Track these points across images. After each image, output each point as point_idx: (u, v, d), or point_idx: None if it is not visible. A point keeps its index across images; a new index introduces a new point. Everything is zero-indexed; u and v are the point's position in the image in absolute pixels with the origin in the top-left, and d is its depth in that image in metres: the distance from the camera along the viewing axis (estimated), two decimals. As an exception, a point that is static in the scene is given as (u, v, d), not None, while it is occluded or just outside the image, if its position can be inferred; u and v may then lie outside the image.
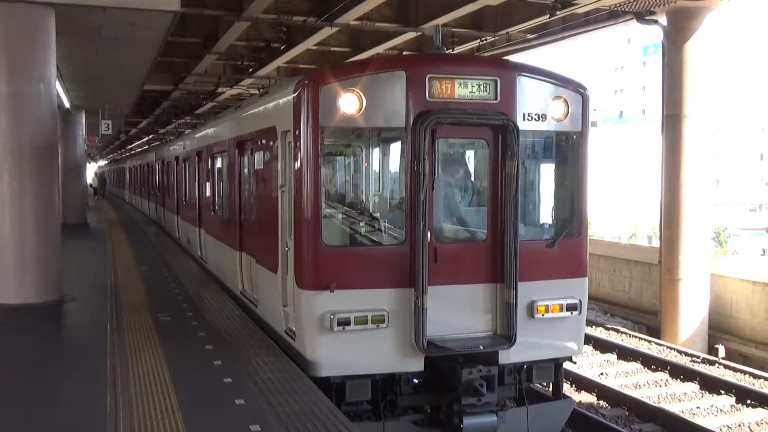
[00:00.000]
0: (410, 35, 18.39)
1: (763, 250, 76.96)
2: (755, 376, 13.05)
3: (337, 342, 7.12)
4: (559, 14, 15.55)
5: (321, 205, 7.29)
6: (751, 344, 16.18)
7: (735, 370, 13.53)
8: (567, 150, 8.22)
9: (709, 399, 11.89)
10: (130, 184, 41.15)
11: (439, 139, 7.45)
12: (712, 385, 12.36)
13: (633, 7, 16.29)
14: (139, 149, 48.52)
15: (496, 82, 7.54)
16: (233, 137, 11.12)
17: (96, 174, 69.38)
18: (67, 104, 22.11)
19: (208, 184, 14.10)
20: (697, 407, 11.46)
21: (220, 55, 21.02)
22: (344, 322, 7.03)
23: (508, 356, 7.53)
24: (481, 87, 7.49)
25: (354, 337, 7.13)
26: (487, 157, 7.71)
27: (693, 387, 12.50)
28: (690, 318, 16.79)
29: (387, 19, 17.45)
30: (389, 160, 8.43)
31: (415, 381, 7.58)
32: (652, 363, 13.82)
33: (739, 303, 16.71)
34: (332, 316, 7.01)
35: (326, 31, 17.61)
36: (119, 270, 13.82)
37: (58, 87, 14.07)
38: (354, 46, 21.10)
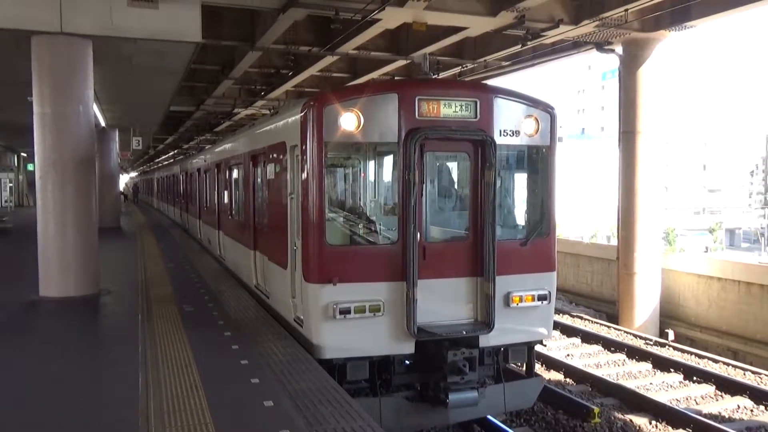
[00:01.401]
0: (401, 62, 18.46)
1: (706, 248, 77.28)
2: (700, 357, 13.11)
3: (339, 328, 7.10)
4: (530, 44, 15.65)
5: (325, 209, 7.26)
6: (696, 329, 16.29)
7: (683, 351, 13.58)
8: (537, 162, 8.19)
9: (661, 376, 11.91)
10: (158, 192, 41.01)
11: (426, 152, 7.45)
12: (663, 365, 12.40)
13: (593, 39, 16.40)
14: (166, 162, 48.39)
15: (476, 102, 7.54)
16: (248, 151, 11.08)
17: (127, 184, 69.22)
18: (102, 123, 22.08)
19: (226, 192, 14.02)
20: (650, 383, 11.48)
21: (236, 80, 21.06)
22: (345, 311, 7.03)
23: (488, 340, 7.52)
24: (463, 107, 7.49)
25: (354, 324, 7.11)
26: (469, 168, 7.72)
27: (647, 366, 12.53)
28: (644, 307, 16.89)
29: (381, 49, 17.51)
30: (383, 171, 8.40)
31: (407, 362, 7.56)
32: (611, 345, 13.85)
33: (685, 293, 16.82)
34: (335, 306, 7.01)
35: (328, 59, 17.67)
36: (148, 267, 13.77)
37: (95, 108, 14.04)
38: (352, 72, 21.16)
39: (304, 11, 12.59)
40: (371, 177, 8.54)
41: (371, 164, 8.60)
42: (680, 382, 11.62)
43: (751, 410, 10.26)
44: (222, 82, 21.10)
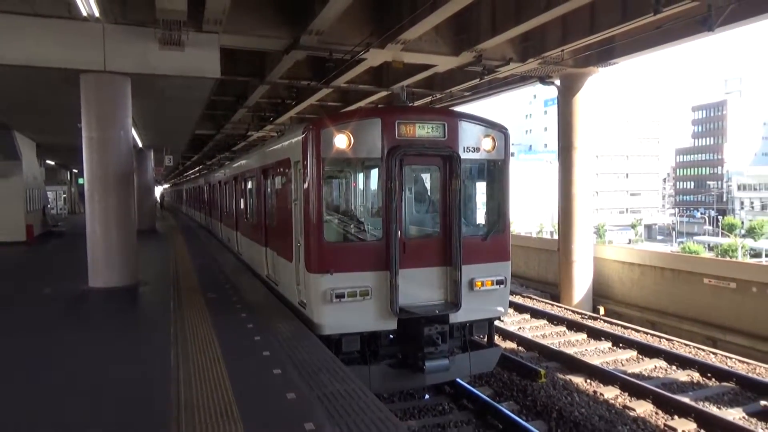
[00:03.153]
0: (383, 93, 18.45)
1: (629, 240, 78.15)
2: (625, 327, 13.24)
3: (335, 310, 7.06)
4: (486, 78, 15.71)
5: (323, 213, 7.21)
6: (621, 305, 16.45)
7: (611, 323, 13.71)
8: (494, 172, 8.15)
9: (594, 344, 12.01)
10: (186, 200, 40.61)
11: (405, 166, 7.45)
12: (595, 335, 12.50)
13: (537, 73, 16.52)
14: (192, 176, 47.93)
15: (444, 125, 7.52)
16: (259, 166, 10.98)
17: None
18: (140, 144, 21.84)
19: (242, 200, 13.87)
20: (586, 350, 11.57)
21: (249, 109, 20.92)
22: (340, 296, 7.01)
23: (456, 317, 7.53)
24: (434, 129, 7.48)
25: (347, 306, 7.07)
26: (439, 177, 7.72)
27: (582, 336, 12.64)
28: (580, 288, 17.02)
29: (366, 82, 17.49)
30: (370, 181, 8.38)
31: (391, 336, 7.53)
32: (554, 320, 13.95)
33: (613, 277, 16.98)
34: (332, 292, 7.00)
35: (324, 91, 17.61)
36: (179, 262, 13.66)
37: (134, 132, 13.89)
38: (344, 101, 21.12)
39: (304, 53, 12.55)
40: (360, 186, 8.50)
41: (360, 176, 8.55)
42: (609, 348, 11.72)
43: (666, 369, 10.39)
44: (238, 110, 20.95)
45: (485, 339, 8.42)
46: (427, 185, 8.44)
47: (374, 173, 7.89)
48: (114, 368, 5.77)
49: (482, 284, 7.69)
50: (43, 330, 7.27)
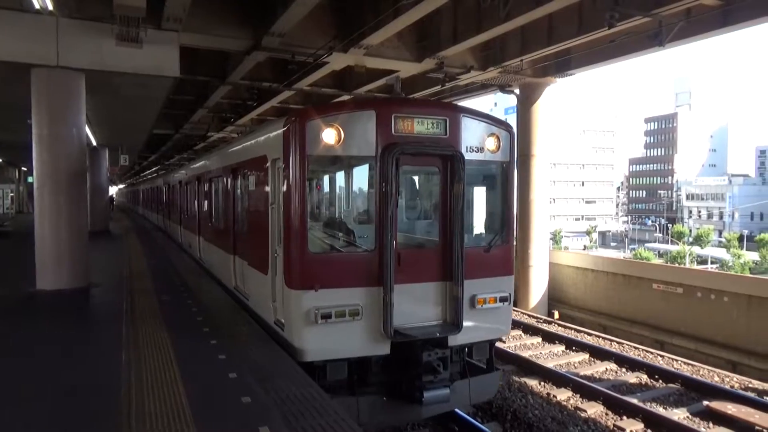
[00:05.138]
0: (346, 97, 18.43)
1: (584, 246, 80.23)
2: (578, 331, 13.57)
3: (320, 332, 6.11)
4: (448, 85, 15.92)
5: (307, 219, 6.26)
6: (575, 309, 16.87)
7: (565, 327, 14.03)
8: (498, 176, 7.30)
9: (548, 347, 12.26)
10: (143, 201, 39.45)
11: (402, 166, 6.48)
12: (550, 338, 12.77)
13: (497, 82, 16.86)
14: (150, 176, 46.67)
15: (445, 121, 6.67)
16: (227, 165, 10.07)
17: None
18: (94, 142, 21.13)
19: (206, 202, 12.73)
20: (540, 353, 11.80)
21: (209, 109, 20.58)
22: (326, 316, 6.06)
23: (456, 339, 6.67)
24: (435, 125, 6.64)
25: (334, 328, 6.13)
26: (438, 180, 6.82)
27: (537, 339, 12.88)
28: (536, 292, 17.37)
29: (329, 86, 17.48)
30: (362, 183, 7.23)
31: (380, 361, 6.59)
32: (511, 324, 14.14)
33: (567, 282, 17.40)
34: (317, 311, 6.04)
35: (286, 94, 17.50)
36: (133, 264, 13.24)
37: (87, 130, 13.45)
38: (306, 104, 21.00)
39: (266, 54, 12.44)
40: (350, 188, 7.48)
41: (350, 176, 7.48)
42: (563, 351, 11.99)
43: (616, 372, 10.70)
44: (197, 111, 20.58)
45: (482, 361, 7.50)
46: (425, 189, 7.55)
47: (367, 174, 6.85)
48: (61, 372, 5.57)
49: (485, 301, 6.85)
50: (-15, 334, 6.96)
